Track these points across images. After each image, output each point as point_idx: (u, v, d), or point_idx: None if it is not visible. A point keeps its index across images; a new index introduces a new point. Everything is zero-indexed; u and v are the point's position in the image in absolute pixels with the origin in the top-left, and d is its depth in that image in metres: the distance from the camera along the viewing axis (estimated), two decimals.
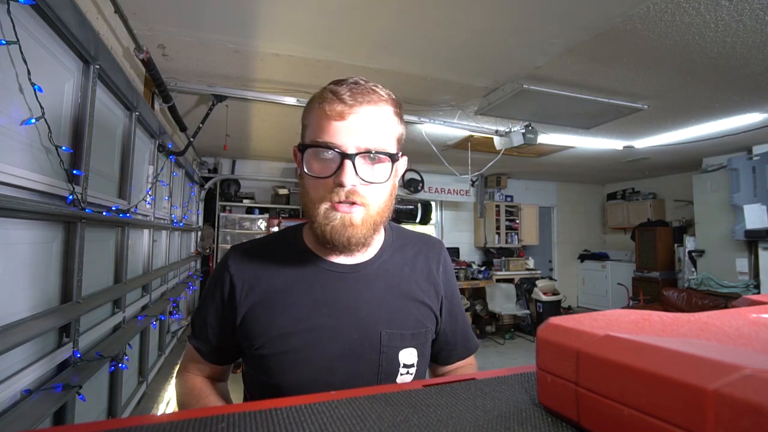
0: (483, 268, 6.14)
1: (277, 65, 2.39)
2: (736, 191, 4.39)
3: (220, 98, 2.71)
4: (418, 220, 5.89)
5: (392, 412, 0.35)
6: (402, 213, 5.73)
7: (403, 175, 0.75)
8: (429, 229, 6.44)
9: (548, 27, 1.94)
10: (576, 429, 0.31)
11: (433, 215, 6.39)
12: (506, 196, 6.76)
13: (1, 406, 0.98)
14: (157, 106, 2.51)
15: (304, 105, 0.72)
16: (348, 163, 0.63)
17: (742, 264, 4.50)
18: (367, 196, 0.66)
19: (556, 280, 6.27)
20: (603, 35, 1.99)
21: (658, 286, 5.63)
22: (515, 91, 2.61)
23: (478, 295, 5.93)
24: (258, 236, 0.86)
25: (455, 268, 5.83)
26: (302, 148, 0.67)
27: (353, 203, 0.65)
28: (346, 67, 2.39)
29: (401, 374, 0.73)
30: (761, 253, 4.25)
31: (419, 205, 5.88)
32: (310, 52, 2.23)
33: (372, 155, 0.65)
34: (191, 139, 2.84)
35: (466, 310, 5.61)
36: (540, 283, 5.76)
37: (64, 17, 1.18)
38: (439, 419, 0.34)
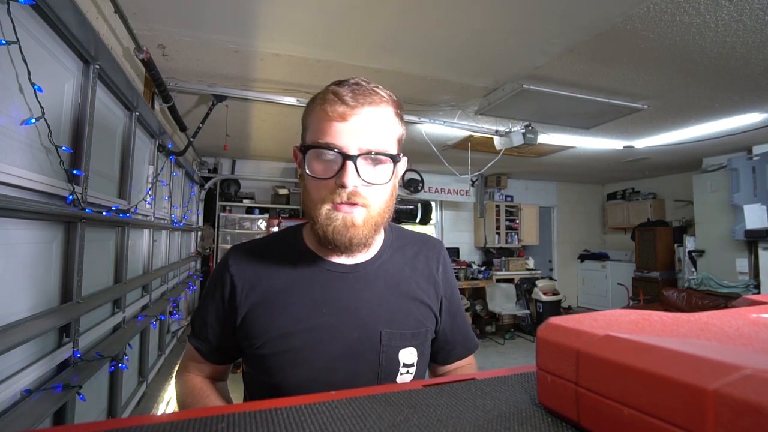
0: (483, 268, 6.14)
1: (277, 65, 2.39)
2: (736, 191, 4.39)
3: (220, 98, 2.71)
4: (418, 220, 5.89)
5: (392, 412, 0.35)
6: (402, 213, 5.73)
7: (403, 175, 0.76)
8: (429, 229, 6.44)
9: (548, 27, 1.94)
10: (576, 429, 0.31)
11: (433, 215, 6.39)
12: (506, 196, 6.76)
13: (1, 406, 0.98)
14: (157, 106, 2.51)
15: (304, 105, 0.72)
16: (350, 164, 0.63)
17: (742, 264, 4.51)
18: (369, 197, 0.66)
19: (556, 280, 6.27)
20: (603, 35, 1.99)
21: (658, 286, 5.63)
22: (515, 91, 2.61)
23: (478, 295, 5.93)
24: (258, 236, 0.87)
25: (455, 268, 5.86)
26: (304, 149, 0.67)
27: (354, 204, 0.65)
28: (346, 67, 2.39)
29: (401, 374, 0.73)
30: (761, 253, 4.25)
31: (419, 205, 5.89)
32: (310, 52, 2.23)
33: (373, 156, 0.65)
34: (191, 139, 2.84)
35: (466, 310, 5.61)
36: (540, 283, 5.76)
37: (64, 17, 1.18)
38: (439, 419, 0.34)
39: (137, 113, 1.98)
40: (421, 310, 0.78)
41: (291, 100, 2.75)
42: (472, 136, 3.76)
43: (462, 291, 5.78)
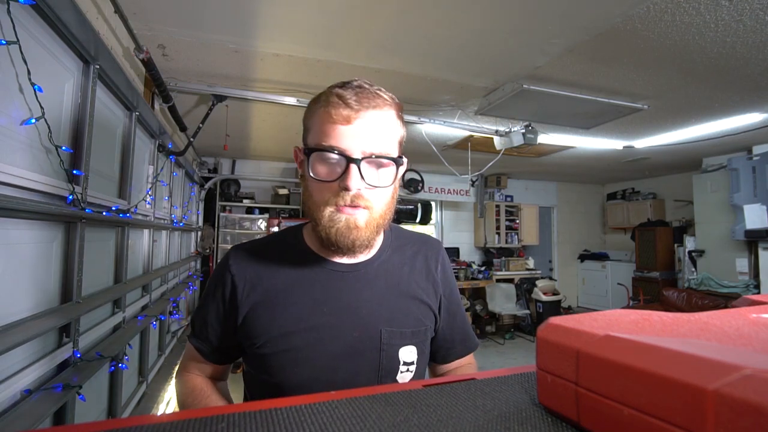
0: (483, 268, 6.14)
1: (277, 65, 2.39)
2: (736, 191, 4.39)
3: (220, 98, 2.71)
4: (418, 220, 5.89)
5: (392, 412, 0.35)
6: (402, 213, 5.73)
7: (403, 175, 0.76)
8: (429, 229, 6.44)
9: (548, 27, 1.94)
10: (576, 429, 0.31)
11: (433, 215, 6.39)
12: (506, 196, 6.76)
13: (1, 406, 0.98)
14: (157, 106, 2.51)
15: (304, 105, 0.73)
16: (353, 167, 0.63)
17: (742, 264, 4.50)
18: (372, 199, 0.67)
19: (556, 280, 6.27)
20: (603, 35, 1.99)
21: (658, 286, 5.63)
22: (515, 91, 2.61)
23: (478, 295, 5.93)
24: (258, 236, 0.87)
25: (455, 268, 5.86)
26: (307, 151, 0.67)
27: (357, 206, 0.66)
28: (346, 67, 2.39)
29: (401, 372, 0.74)
30: (761, 253, 4.25)
31: (419, 205, 5.89)
32: (310, 52, 2.23)
33: (377, 160, 0.65)
34: (191, 139, 2.84)
35: (466, 310, 5.61)
36: (540, 283, 5.76)
37: (64, 17, 1.18)
38: (439, 419, 0.34)
39: (137, 113, 1.98)
40: (421, 309, 0.78)
41: (291, 100, 2.75)
42: (472, 136, 3.76)
43: (462, 291, 5.78)
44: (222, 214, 5.11)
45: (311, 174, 0.66)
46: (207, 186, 4.79)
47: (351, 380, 0.70)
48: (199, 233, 4.64)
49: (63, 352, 1.27)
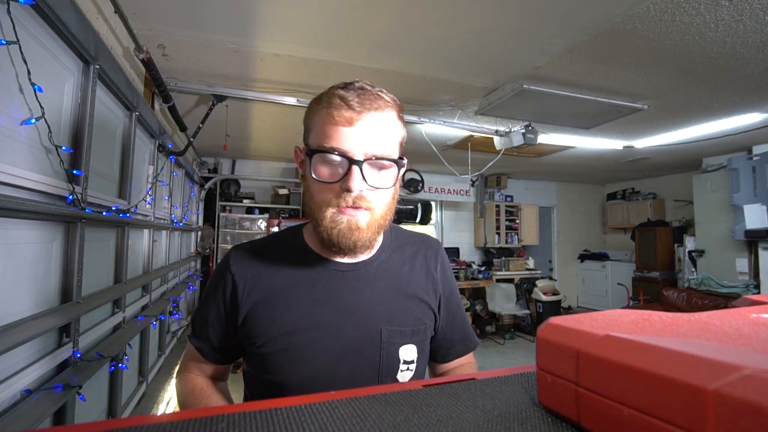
0: (483, 268, 6.14)
1: (277, 65, 2.39)
2: (736, 191, 4.39)
3: (220, 98, 2.71)
4: (418, 220, 5.89)
5: (392, 412, 0.35)
6: (402, 213, 5.73)
7: (403, 175, 0.76)
8: (429, 229, 6.44)
9: (548, 27, 1.94)
10: (576, 429, 0.31)
11: (433, 215, 6.39)
12: (506, 196, 6.76)
13: (1, 406, 0.98)
14: (157, 106, 2.51)
15: (304, 105, 0.73)
16: (356, 168, 0.64)
17: (742, 264, 4.50)
18: (373, 200, 0.67)
19: (556, 280, 6.27)
20: (603, 35, 1.99)
21: (658, 286, 5.63)
22: (515, 91, 2.61)
23: (478, 295, 5.93)
24: (258, 236, 0.88)
25: (455, 268, 5.86)
26: (309, 152, 0.67)
27: (359, 207, 0.66)
28: (346, 67, 2.39)
29: (401, 370, 0.74)
30: (761, 253, 4.25)
31: (419, 205, 5.89)
32: (310, 52, 2.23)
33: (378, 161, 0.66)
34: (191, 139, 2.84)
35: (466, 310, 5.61)
36: (540, 283, 5.76)
37: (64, 17, 1.18)
38: (439, 419, 0.34)
39: (137, 113, 1.98)
40: (421, 308, 0.79)
41: (291, 100, 2.75)
42: (472, 136, 3.76)
43: (462, 291, 5.78)
44: (222, 214, 5.11)
45: (313, 175, 0.66)
46: (207, 186, 4.79)
47: (351, 379, 0.70)
48: (199, 233, 4.64)
49: (63, 352, 1.27)
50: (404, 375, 0.74)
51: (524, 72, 2.46)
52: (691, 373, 0.23)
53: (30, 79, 1.01)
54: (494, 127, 3.47)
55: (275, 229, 4.75)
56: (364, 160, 0.64)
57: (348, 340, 0.71)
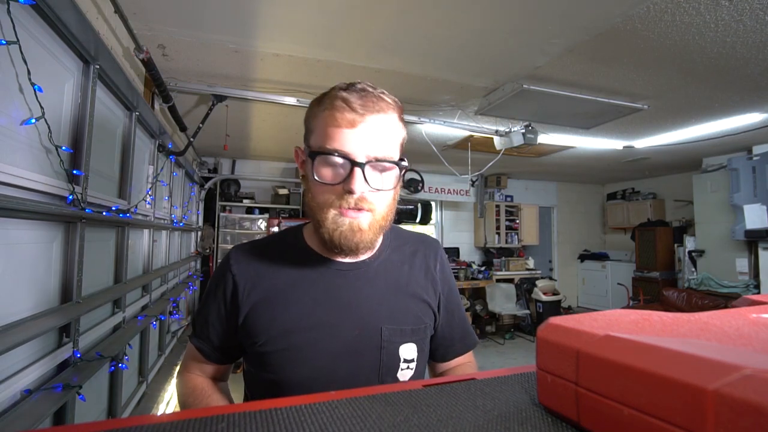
0: (483, 268, 6.14)
1: (277, 65, 2.39)
2: (736, 191, 4.39)
3: (220, 98, 2.71)
4: (418, 220, 5.89)
5: (392, 412, 0.35)
6: (402, 213, 5.73)
7: (403, 176, 0.76)
8: (429, 229, 6.44)
9: (548, 27, 1.94)
10: (576, 429, 0.31)
11: (433, 215, 6.39)
12: (506, 196, 6.75)
13: (1, 406, 0.98)
14: (157, 106, 2.51)
15: (304, 105, 0.73)
16: (358, 171, 0.64)
17: (742, 264, 4.50)
18: (375, 201, 0.68)
19: (556, 280, 6.27)
20: (603, 35, 1.99)
21: (658, 286, 5.63)
22: (515, 91, 2.61)
23: (478, 295, 5.93)
24: (258, 236, 0.88)
25: (455, 268, 5.86)
26: (312, 154, 0.67)
27: (361, 209, 0.66)
28: (346, 67, 2.39)
29: (401, 369, 0.74)
30: (761, 253, 4.25)
31: (419, 205, 5.89)
32: (310, 52, 2.23)
33: (380, 163, 0.66)
34: (191, 139, 2.84)
35: (466, 310, 5.61)
36: (540, 283, 5.76)
37: (64, 17, 1.18)
38: (439, 419, 0.34)
39: (137, 113, 1.98)
40: (420, 307, 0.79)
41: (291, 100, 2.75)
42: (472, 136, 3.76)
43: (462, 291, 5.78)
44: (222, 214, 5.11)
45: (315, 177, 0.66)
46: (207, 186, 4.79)
47: (351, 378, 0.70)
48: (199, 233, 4.64)
49: (63, 352, 1.27)
50: (404, 374, 0.75)
51: (524, 72, 2.46)
52: (691, 373, 0.23)
53: (30, 79, 1.01)
54: (494, 127, 3.47)
55: (275, 229, 4.75)
56: (366, 162, 0.64)
57: (348, 339, 0.71)
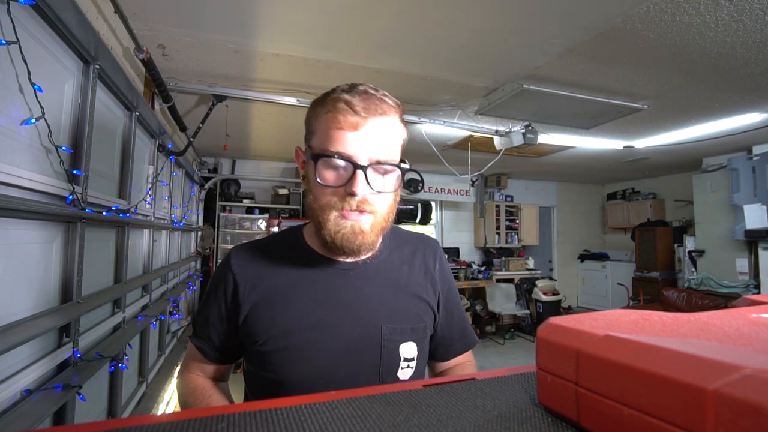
0: (483, 268, 6.14)
1: (277, 65, 2.39)
2: (736, 191, 4.39)
3: (220, 98, 2.71)
4: (418, 220, 5.89)
5: (392, 412, 0.35)
6: (402, 213, 5.73)
7: (404, 177, 0.77)
8: (429, 229, 6.44)
9: (548, 27, 1.94)
10: (576, 429, 0.31)
11: (433, 215, 6.39)
12: (506, 196, 6.75)
13: (1, 406, 0.98)
14: (157, 106, 2.51)
15: (304, 105, 0.73)
16: (360, 173, 0.64)
17: (742, 264, 4.50)
18: (376, 203, 0.68)
19: (556, 280, 6.27)
20: (603, 35, 1.99)
21: (658, 286, 5.63)
22: (515, 91, 2.61)
23: (478, 295, 5.93)
24: (258, 236, 0.88)
25: (455, 268, 5.86)
26: (314, 157, 0.67)
27: (363, 211, 0.67)
28: (346, 67, 2.39)
29: (402, 368, 0.74)
30: (761, 253, 4.25)
31: (419, 205, 5.88)
32: (310, 52, 2.23)
33: (382, 166, 0.66)
34: (191, 139, 2.84)
35: (466, 310, 5.61)
36: (540, 283, 5.76)
37: (64, 17, 1.18)
38: (439, 419, 0.34)
39: (137, 113, 1.98)
40: (420, 306, 0.79)
41: (291, 100, 2.75)
42: (472, 136, 3.76)
43: (462, 291, 5.78)
44: (222, 214, 5.11)
45: (318, 180, 0.66)
46: (207, 186, 4.79)
47: (352, 377, 0.71)
48: (199, 233, 4.64)
49: (63, 352, 1.27)
50: (405, 373, 0.75)
51: (524, 72, 2.45)
52: (691, 373, 0.23)
53: (30, 79, 1.01)
54: (494, 127, 3.47)
55: (275, 229, 4.75)
56: (369, 165, 0.65)
57: (349, 338, 0.71)
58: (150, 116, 2.16)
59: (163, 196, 2.78)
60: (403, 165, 0.69)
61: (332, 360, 0.70)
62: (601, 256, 7.16)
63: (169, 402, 2.43)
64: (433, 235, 6.42)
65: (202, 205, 4.82)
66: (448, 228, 6.64)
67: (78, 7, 1.16)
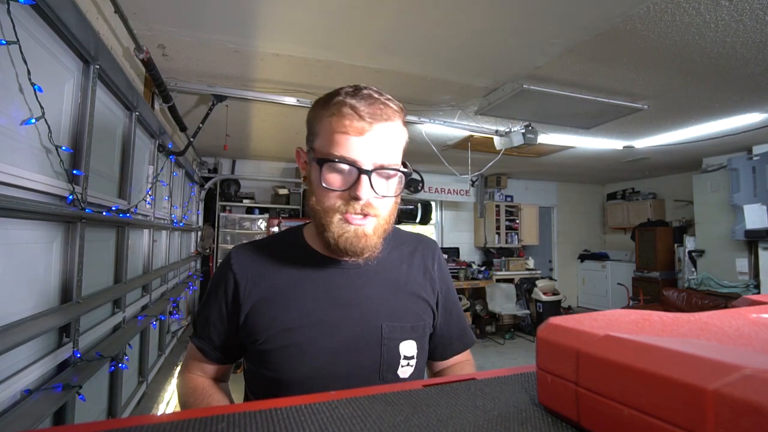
0: (483, 268, 6.14)
1: (277, 65, 2.39)
2: (736, 191, 4.39)
3: (220, 98, 2.71)
4: (418, 220, 5.89)
5: (392, 412, 0.35)
6: (402, 213, 5.73)
7: (406, 180, 0.78)
8: (429, 229, 6.44)
9: (548, 27, 1.94)
10: (576, 429, 0.31)
11: (433, 215, 6.39)
12: (506, 196, 6.75)
13: (1, 406, 0.98)
14: (157, 106, 2.51)
15: (304, 105, 0.73)
16: (365, 178, 0.65)
17: (742, 264, 4.50)
18: (379, 207, 0.69)
19: (556, 280, 6.27)
20: (603, 35, 1.99)
21: (658, 286, 5.63)
22: (515, 91, 2.61)
23: (478, 295, 5.93)
24: (258, 236, 0.88)
25: (455, 268, 5.86)
26: (319, 161, 0.67)
27: (366, 215, 0.67)
28: (346, 67, 2.39)
29: (402, 366, 0.75)
30: (761, 253, 4.25)
31: (419, 205, 5.88)
32: (310, 52, 2.23)
33: (386, 171, 0.67)
34: (191, 139, 2.84)
35: (466, 310, 5.61)
36: (540, 283, 5.76)
37: (64, 17, 1.18)
38: (439, 419, 0.34)
39: (137, 113, 1.98)
40: (419, 305, 0.80)
41: (291, 100, 2.75)
42: (472, 136, 3.76)
43: (462, 291, 5.78)
44: (222, 214, 5.11)
45: (323, 183, 0.67)
46: (207, 186, 4.79)
47: (352, 375, 0.71)
48: (199, 233, 4.64)
49: (63, 352, 1.27)
50: (405, 371, 0.75)
51: (524, 72, 2.45)
52: (691, 373, 0.23)
53: (30, 79, 1.01)
54: (494, 127, 3.47)
55: (275, 229, 4.75)
56: (373, 170, 0.65)
57: (349, 336, 0.72)
58: (150, 116, 2.16)
59: (163, 196, 2.78)
60: (406, 170, 0.70)
61: (332, 358, 0.70)
62: (601, 256, 7.16)
63: (169, 402, 2.43)
64: (433, 235, 6.42)
65: (202, 205, 4.82)
66: (448, 228, 6.64)
67: (78, 7, 1.16)
